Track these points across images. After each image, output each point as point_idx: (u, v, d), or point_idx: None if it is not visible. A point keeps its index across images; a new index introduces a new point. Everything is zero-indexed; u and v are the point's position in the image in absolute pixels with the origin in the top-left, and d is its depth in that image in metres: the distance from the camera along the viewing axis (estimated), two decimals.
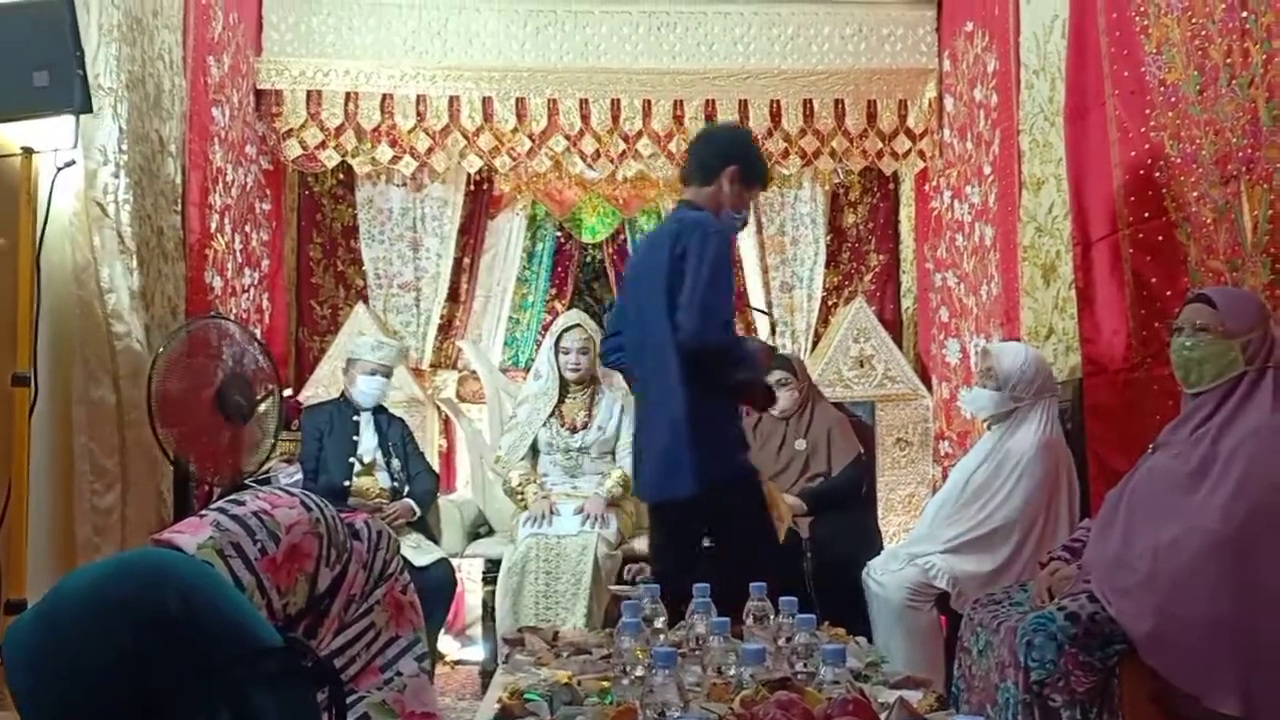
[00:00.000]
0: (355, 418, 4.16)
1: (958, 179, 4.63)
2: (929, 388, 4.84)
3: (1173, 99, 3.00)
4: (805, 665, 1.64)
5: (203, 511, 1.23)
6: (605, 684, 1.85)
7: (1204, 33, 2.81)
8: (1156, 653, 2.04)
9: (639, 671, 1.69)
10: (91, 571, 0.90)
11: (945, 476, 4.62)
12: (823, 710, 1.30)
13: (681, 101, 4.84)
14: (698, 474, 2.73)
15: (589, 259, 5.79)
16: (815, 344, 5.16)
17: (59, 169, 2.90)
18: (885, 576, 3.31)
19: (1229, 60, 2.75)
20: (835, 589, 3.54)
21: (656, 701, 1.37)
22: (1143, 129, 3.12)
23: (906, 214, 5.21)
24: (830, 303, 5.28)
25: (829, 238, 5.24)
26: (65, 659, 0.83)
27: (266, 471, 3.74)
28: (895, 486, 4.75)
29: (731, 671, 1.71)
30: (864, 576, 3.47)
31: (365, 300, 5.05)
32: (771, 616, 2.17)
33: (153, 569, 0.90)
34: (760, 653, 1.51)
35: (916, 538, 3.40)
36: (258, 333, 4.27)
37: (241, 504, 1.21)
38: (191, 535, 1.15)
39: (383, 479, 4.09)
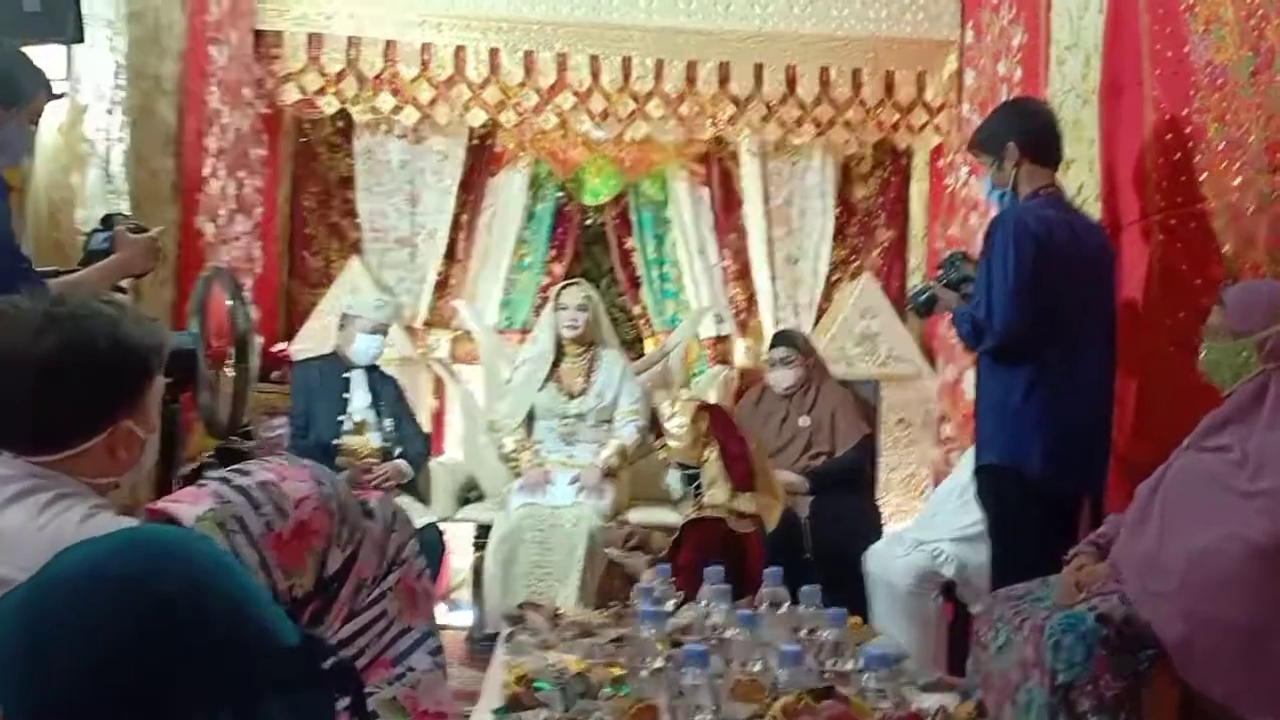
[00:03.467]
0: (346, 375, 4.04)
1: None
2: (934, 368, 4.74)
3: (1219, 80, 2.87)
4: (834, 664, 1.54)
5: (203, 480, 1.11)
6: (617, 671, 1.74)
7: (1261, 12, 2.69)
8: (1189, 661, 1.96)
9: (658, 664, 1.59)
10: (91, 546, 0.79)
11: (947, 460, 4.54)
12: None
13: (695, 63, 4.68)
14: None
15: (590, 222, 5.64)
16: (818, 319, 5.05)
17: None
18: (890, 561, 3.22)
19: None
20: (835, 571, 3.45)
21: (689, 705, 1.27)
22: (1184, 111, 3.00)
23: (918, 190, 5.08)
24: (835, 278, 5.15)
25: (837, 211, 5.11)
26: (54, 638, 0.72)
27: (248, 425, 3.61)
28: (894, 468, 4.66)
29: (756, 667, 1.61)
30: (865, 560, 3.38)
31: (360, 254, 4.90)
32: (786, 604, 2.08)
33: (158, 547, 0.78)
34: (799, 655, 1.41)
35: (923, 523, 3.31)
36: (248, 283, 4.14)
37: (246, 474, 1.10)
38: (190, 506, 1.03)
39: (374, 439, 3.97)
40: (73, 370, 1.36)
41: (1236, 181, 2.81)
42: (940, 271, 3.16)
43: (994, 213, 4.20)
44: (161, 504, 1.04)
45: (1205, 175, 2.92)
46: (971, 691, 2.20)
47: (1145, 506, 2.22)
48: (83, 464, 1.38)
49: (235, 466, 1.12)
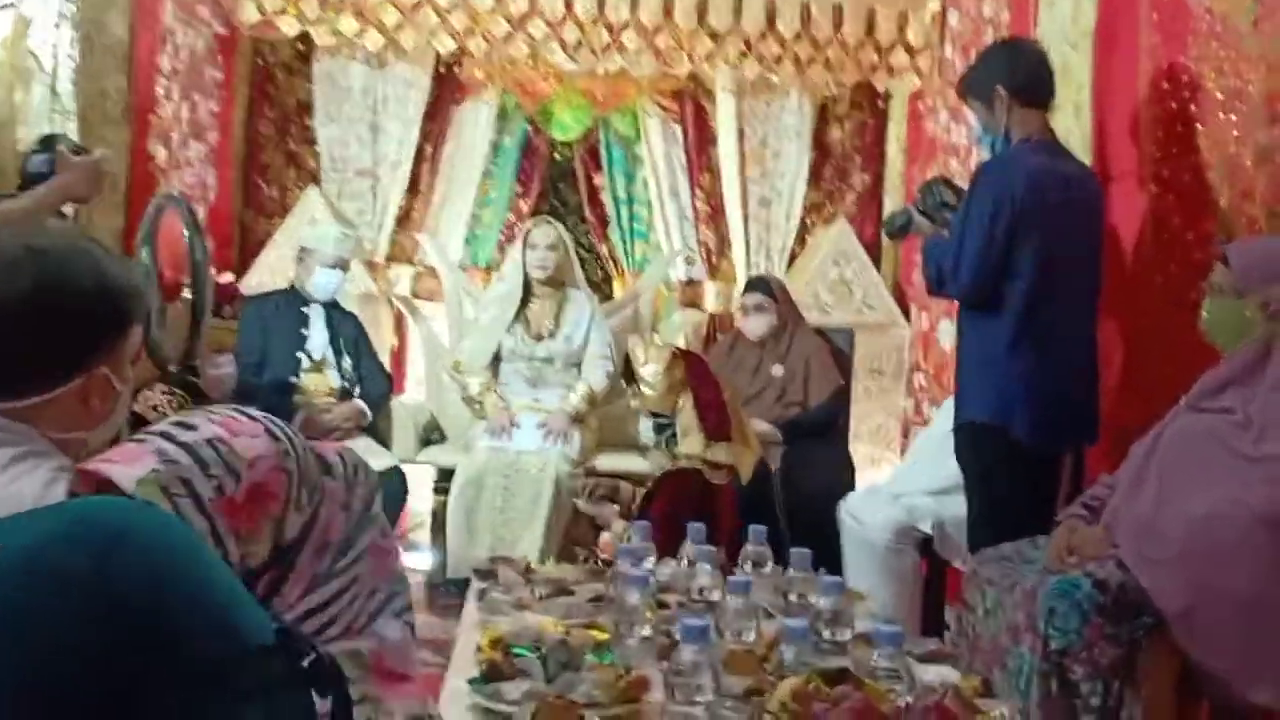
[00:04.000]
0: (304, 310, 3.87)
1: (957, 100, 4.38)
2: (907, 317, 4.67)
3: (1218, 29, 2.78)
4: (832, 634, 1.46)
5: (141, 434, 0.96)
6: (598, 635, 1.65)
7: None
8: (1188, 631, 1.90)
9: (645, 631, 1.49)
10: (26, 526, 0.66)
11: (918, 410, 4.49)
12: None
13: None
14: None
15: (558, 158, 5.47)
16: (791, 264, 4.95)
17: None
18: (867, 515, 3.15)
19: None
20: (806, 522, 3.40)
21: (688, 684, 1.17)
22: (1181, 59, 2.90)
23: (896, 134, 4.96)
24: (809, 222, 5.04)
25: (813, 153, 4.98)
26: None
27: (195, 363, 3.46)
28: (864, 417, 4.59)
29: (749, 636, 1.53)
30: (839, 512, 3.32)
31: (318, 184, 4.70)
32: (770, 564, 2.00)
33: (107, 530, 0.66)
34: (804, 631, 1.32)
35: (900, 475, 3.24)
36: (201, 211, 3.94)
37: (192, 428, 0.96)
38: (127, 467, 0.90)
39: (332, 378, 3.83)
40: (53, 309, 1.25)
41: (1235, 133, 2.73)
42: (919, 196, 3.06)
43: (977, 159, 4.13)
44: (94, 464, 0.90)
45: (1201, 126, 2.84)
46: (959, 658, 2.15)
47: (1141, 468, 2.15)
48: (51, 413, 1.26)
49: (177, 419, 1.00)
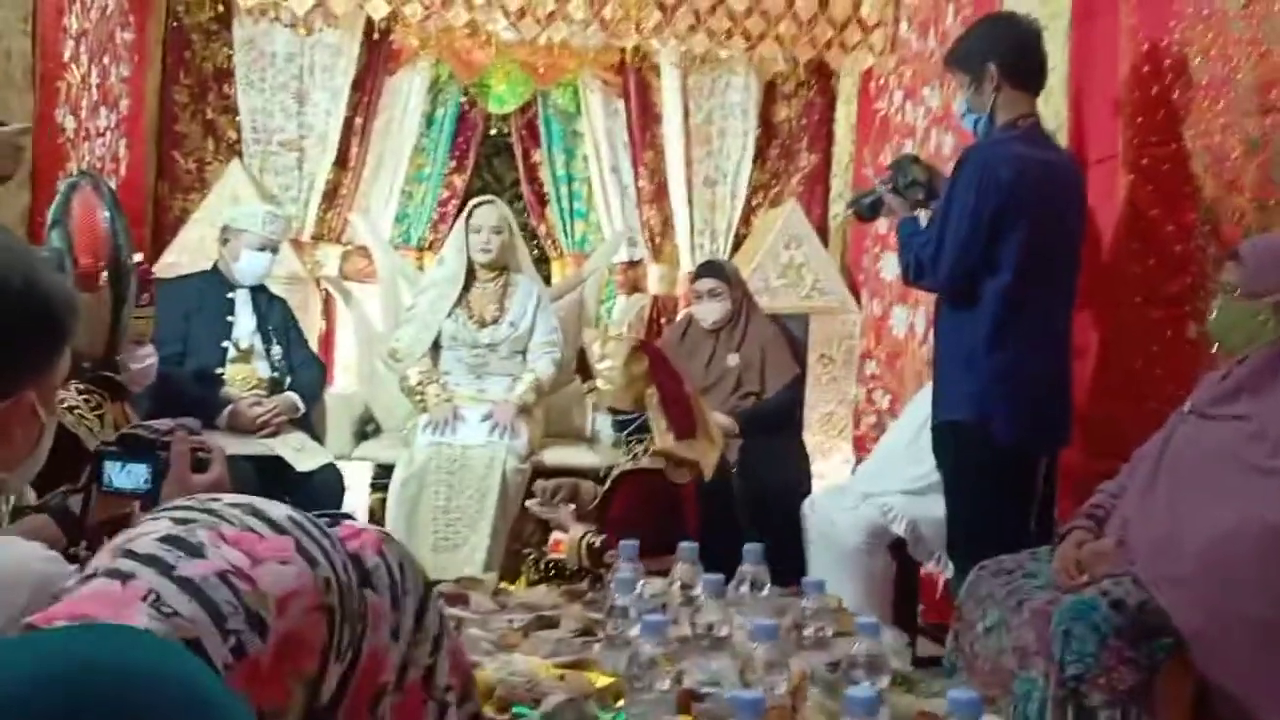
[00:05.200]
0: (230, 295, 3.59)
1: (913, 79, 4.27)
2: (858, 302, 4.56)
3: (1205, 11, 2.69)
4: (871, 682, 1.31)
5: (120, 558, 0.67)
6: (595, 679, 1.48)
7: None
8: (1208, 653, 1.80)
9: (663, 685, 1.33)
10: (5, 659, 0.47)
11: (869, 399, 4.39)
12: None
13: None
14: None
15: (494, 132, 5.23)
16: (737, 246, 4.80)
17: None
18: (835, 515, 3.03)
19: None
20: (769, 519, 3.26)
21: None
22: (1164, 41, 2.81)
23: (845, 113, 4.84)
24: (755, 202, 4.90)
25: (758, 132, 4.83)
26: None
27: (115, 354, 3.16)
28: (815, 405, 4.48)
29: (781, 690, 1.37)
30: (804, 510, 3.20)
31: (239, 157, 4.39)
32: (768, 586, 1.85)
33: (106, 684, 0.47)
34: (872, 703, 1.15)
35: (871, 473, 3.13)
36: (112, 184, 3.62)
37: (196, 552, 0.68)
38: (113, 618, 0.63)
39: (261, 368, 3.55)
40: None
41: (1221, 122, 2.64)
42: (889, 173, 2.92)
43: (933, 137, 4.03)
44: (60, 609, 0.64)
45: (1185, 114, 2.75)
46: (953, 672, 2.03)
47: (1149, 479, 2.05)
48: None
49: (170, 532, 0.69)
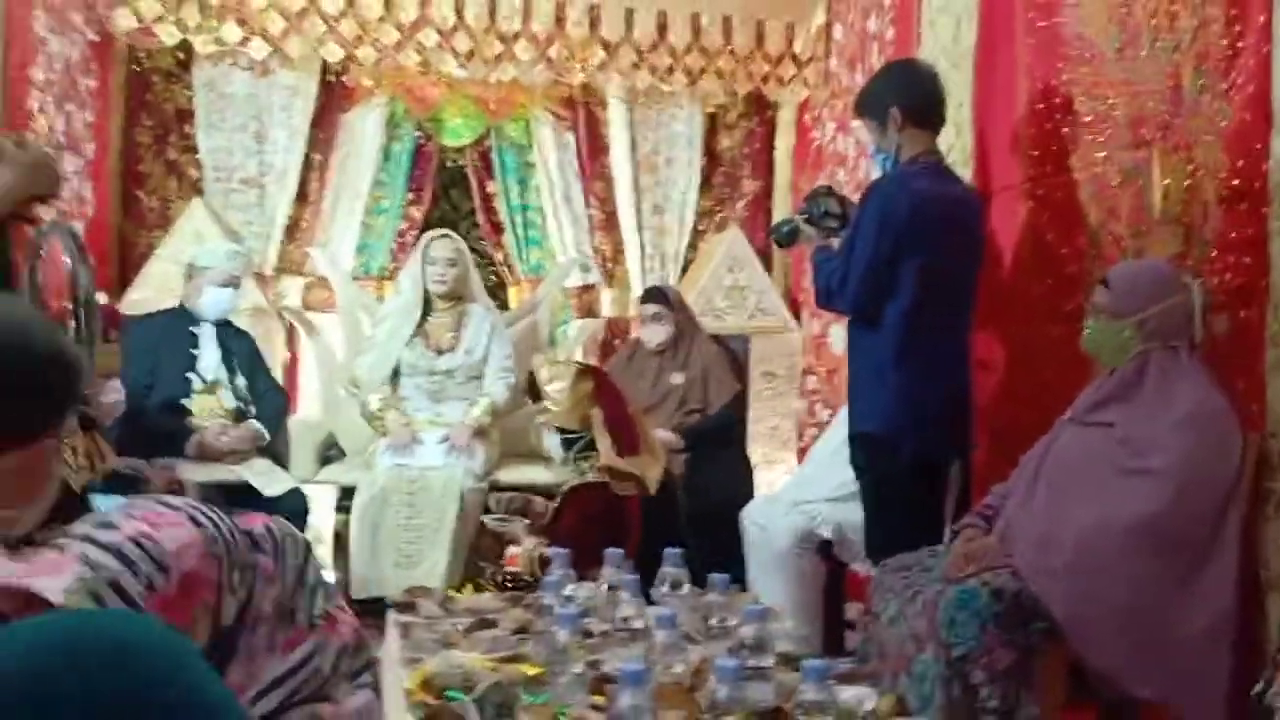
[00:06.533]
0: (194, 329, 3.77)
1: (843, 111, 4.52)
2: (799, 321, 4.79)
3: (1088, 54, 2.94)
4: (756, 661, 1.52)
5: (59, 539, 0.94)
6: (527, 670, 1.68)
7: None
8: (1077, 636, 2.04)
9: (577, 669, 1.53)
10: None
11: (810, 412, 4.62)
12: None
13: (564, 3, 4.52)
14: None
15: (450, 164, 5.44)
16: (685, 270, 5.03)
17: None
18: (768, 521, 3.25)
19: (1154, 21, 2.70)
20: (713, 531, 3.47)
21: None
22: (1054, 81, 3.06)
23: (784, 143, 5.09)
24: (701, 228, 5.13)
25: (703, 161, 5.07)
26: None
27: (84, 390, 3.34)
28: (759, 419, 4.71)
29: (679, 669, 1.58)
30: (743, 519, 3.41)
31: (201, 194, 4.57)
32: (686, 585, 2.06)
33: (76, 673, 0.64)
34: (738, 669, 1.37)
35: (801, 481, 3.35)
36: (79, 227, 3.80)
37: (112, 527, 0.96)
38: (51, 578, 0.89)
39: (226, 399, 3.73)
40: (22, 369, 1.14)
41: (1101, 154, 2.89)
42: (805, 205, 3.16)
43: (864, 170, 4.27)
44: (17, 581, 0.88)
45: (1073, 146, 3.00)
46: (866, 659, 2.25)
47: (1031, 480, 2.28)
48: None
49: (98, 518, 0.98)
